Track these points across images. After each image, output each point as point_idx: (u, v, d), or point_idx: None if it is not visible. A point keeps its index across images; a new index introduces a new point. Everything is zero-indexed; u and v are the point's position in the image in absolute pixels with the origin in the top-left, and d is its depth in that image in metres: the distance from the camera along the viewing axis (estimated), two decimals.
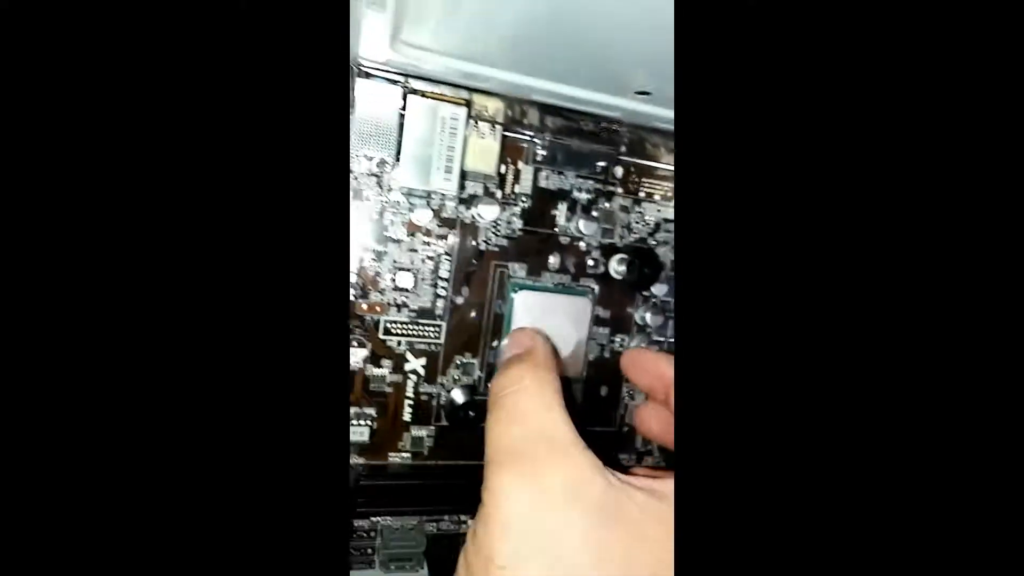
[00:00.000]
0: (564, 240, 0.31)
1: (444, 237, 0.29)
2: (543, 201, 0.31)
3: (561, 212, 0.31)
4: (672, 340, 0.34)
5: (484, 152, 0.29)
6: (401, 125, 0.27)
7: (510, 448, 0.19)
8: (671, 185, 0.33)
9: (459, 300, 0.30)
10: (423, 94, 0.27)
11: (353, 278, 0.28)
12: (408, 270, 0.29)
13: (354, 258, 0.28)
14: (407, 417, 0.30)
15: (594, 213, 0.32)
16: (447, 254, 0.29)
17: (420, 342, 0.30)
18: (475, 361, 0.30)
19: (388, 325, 0.29)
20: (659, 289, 0.33)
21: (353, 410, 0.29)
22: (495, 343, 0.31)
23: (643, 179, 0.33)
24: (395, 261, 0.29)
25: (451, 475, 0.30)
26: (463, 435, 0.30)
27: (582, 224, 0.31)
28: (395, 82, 0.27)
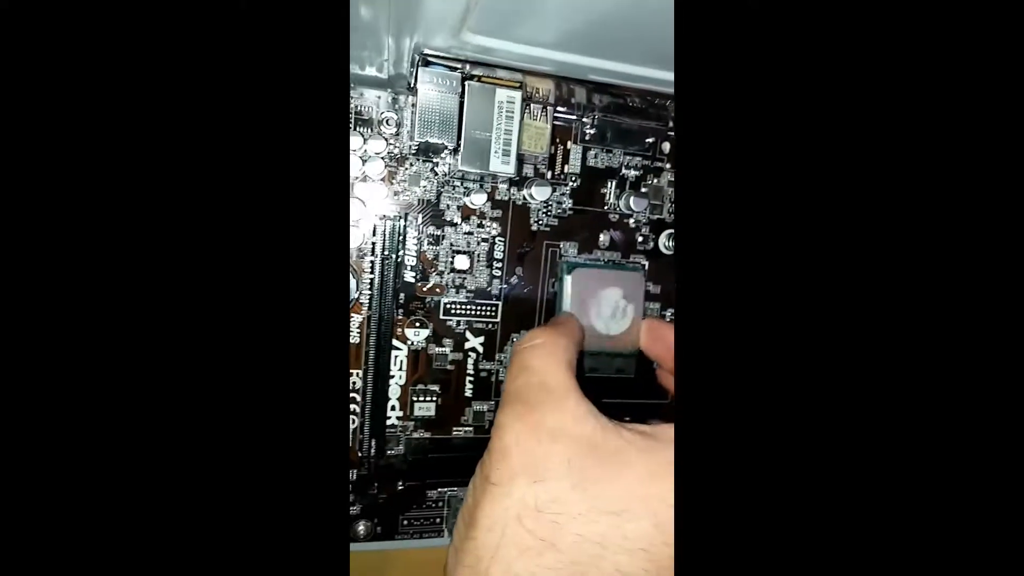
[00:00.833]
0: (613, 217, 0.32)
1: (497, 219, 0.30)
2: (592, 180, 0.31)
3: (610, 190, 0.32)
4: None
5: (537, 134, 0.29)
6: (461, 111, 0.28)
7: (514, 392, 0.21)
8: None
9: (513, 280, 0.31)
10: (479, 79, 0.28)
11: (412, 261, 0.29)
12: (464, 252, 0.30)
13: (412, 242, 0.29)
14: (468, 393, 0.31)
15: (643, 189, 0.32)
16: (501, 236, 0.30)
17: (478, 321, 0.31)
18: None
19: (448, 306, 0.30)
20: None
21: (419, 387, 0.30)
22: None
23: None
24: (452, 244, 0.30)
25: None
26: None
27: (632, 201, 0.31)
28: (454, 69, 0.27)
